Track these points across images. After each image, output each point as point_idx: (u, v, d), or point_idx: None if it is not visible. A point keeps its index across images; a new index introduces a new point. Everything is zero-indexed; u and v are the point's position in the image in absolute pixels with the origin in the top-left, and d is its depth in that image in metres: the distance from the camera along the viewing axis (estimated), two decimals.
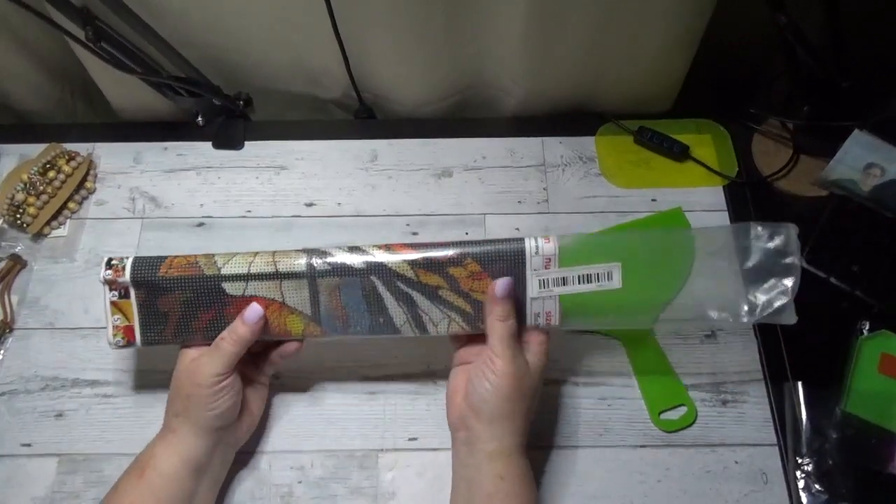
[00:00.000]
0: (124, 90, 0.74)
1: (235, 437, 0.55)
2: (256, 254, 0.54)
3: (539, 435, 0.59)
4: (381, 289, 0.53)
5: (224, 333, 0.52)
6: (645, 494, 0.57)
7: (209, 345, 0.53)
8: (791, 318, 0.51)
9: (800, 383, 0.59)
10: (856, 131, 0.63)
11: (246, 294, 0.53)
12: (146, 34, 0.63)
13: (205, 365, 0.51)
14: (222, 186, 0.72)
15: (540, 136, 0.75)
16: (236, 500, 0.57)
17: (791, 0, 0.58)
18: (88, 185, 0.72)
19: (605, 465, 0.58)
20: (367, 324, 0.54)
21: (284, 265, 0.53)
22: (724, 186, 0.71)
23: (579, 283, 0.52)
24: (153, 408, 0.59)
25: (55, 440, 0.59)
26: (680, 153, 0.72)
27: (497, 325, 0.51)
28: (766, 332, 0.63)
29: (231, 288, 0.53)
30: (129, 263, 0.53)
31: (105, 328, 0.54)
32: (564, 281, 0.52)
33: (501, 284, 0.51)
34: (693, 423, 0.59)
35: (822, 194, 0.69)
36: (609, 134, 0.75)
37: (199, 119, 0.76)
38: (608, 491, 0.57)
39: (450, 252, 0.52)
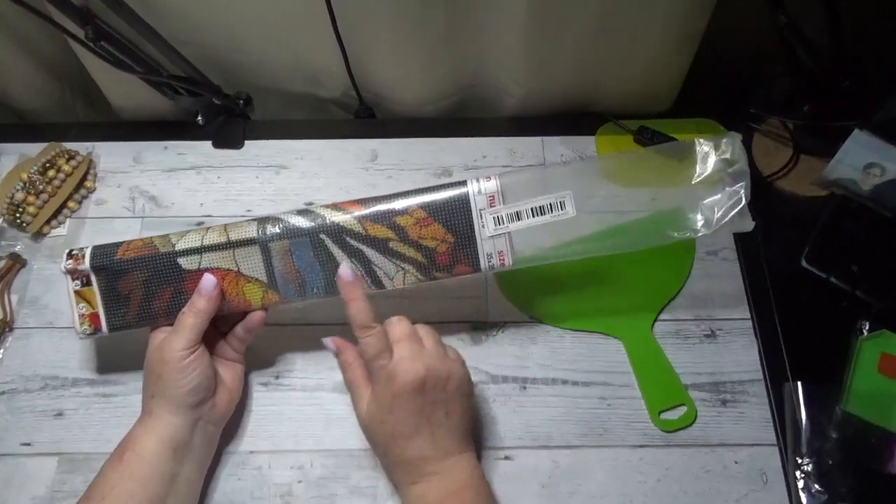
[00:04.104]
0: (124, 89, 0.74)
1: (215, 413, 0.55)
2: (209, 228, 0.55)
3: (539, 434, 0.59)
4: (332, 246, 0.53)
5: (185, 308, 0.53)
6: (645, 494, 0.57)
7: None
8: (748, 224, 0.52)
9: (800, 383, 0.59)
10: (856, 131, 0.63)
11: (201, 267, 0.54)
12: (146, 33, 0.63)
13: (170, 342, 0.52)
14: (222, 186, 0.72)
15: (540, 135, 0.75)
16: (236, 500, 0.56)
17: (791, 0, 0.58)
18: (88, 184, 0.72)
19: (605, 465, 0.58)
20: (323, 285, 0.54)
21: (236, 234, 0.54)
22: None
23: (533, 216, 0.52)
24: None
25: (55, 439, 0.59)
26: None
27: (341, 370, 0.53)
28: (766, 332, 0.63)
29: (186, 263, 0.54)
30: (88, 251, 0.54)
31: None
32: (518, 216, 0.52)
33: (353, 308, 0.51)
34: (693, 422, 0.59)
35: (822, 194, 0.69)
36: (609, 134, 0.75)
37: (199, 118, 0.76)
38: (608, 491, 0.57)
39: (395, 203, 0.53)
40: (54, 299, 0.66)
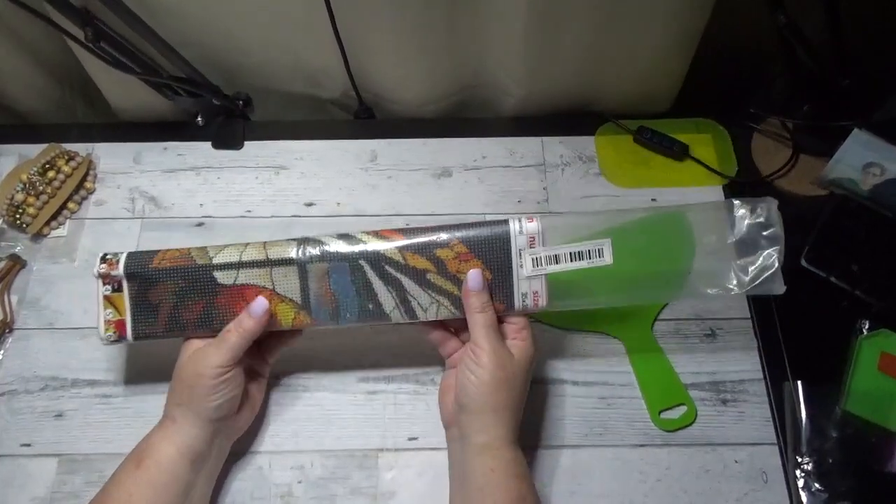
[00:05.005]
0: (124, 90, 0.74)
1: (234, 428, 0.55)
2: (248, 244, 0.55)
3: (539, 434, 0.59)
4: (370, 273, 0.53)
5: (230, 325, 0.53)
6: (645, 494, 0.57)
7: (202, 337, 0.53)
8: (780, 288, 0.53)
9: (800, 382, 0.59)
10: (855, 130, 0.63)
11: (237, 283, 0.53)
12: (146, 34, 0.63)
13: (209, 356, 0.51)
14: (222, 186, 0.72)
15: (540, 135, 0.75)
16: (236, 500, 0.56)
17: (791, 0, 0.58)
18: (88, 185, 0.72)
19: (605, 465, 0.58)
20: (357, 310, 0.54)
21: (275, 253, 0.54)
22: (723, 186, 0.72)
23: (570, 260, 0.52)
24: (153, 407, 0.58)
25: (55, 440, 0.59)
26: (680, 152, 0.72)
27: (476, 317, 0.51)
28: (766, 332, 0.63)
29: (222, 277, 0.53)
30: (123, 257, 0.54)
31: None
32: (556, 259, 0.52)
33: (473, 277, 0.52)
34: (693, 422, 0.59)
35: (822, 194, 0.70)
36: (609, 133, 0.75)
37: (199, 119, 0.76)
38: (608, 490, 0.57)
39: (437, 236, 0.53)
40: (54, 300, 0.66)
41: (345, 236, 0.54)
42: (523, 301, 0.53)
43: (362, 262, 0.53)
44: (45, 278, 0.67)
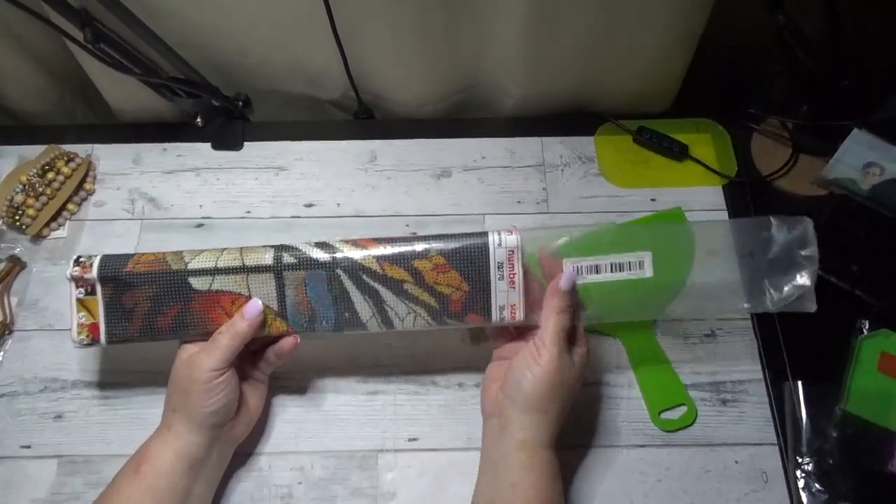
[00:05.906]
0: (123, 91, 0.74)
1: (233, 434, 0.55)
2: (224, 250, 0.54)
3: None
4: (347, 282, 0.53)
5: (222, 328, 0.52)
6: (645, 494, 0.57)
7: (187, 341, 0.54)
8: (812, 306, 0.54)
9: (800, 383, 0.59)
10: (855, 130, 0.63)
11: (212, 289, 0.53)
12: (145, 35, 0.63)
13: (202, 360, 0.51)
14: (221, 187, 0.72)
15: (539, 136, 0.75)
16: (236, 501, 0.57)
17: (791, 0, 0.58)
18: (87, 186, 0.72)
19: (605, 465, 0.58)
20: (333, 319, 0.54)
21: (251, 259, 0.53)
22: (723, 186, 0.71)
23: (611, 271, 0.53)
24: (153, 409, 0.58)
25: (55, 442, 0.59)
26: (679, 153, 0.72)
27: (553, 316, 0.51)
28: (766, 332, 0.63)
29: (197, 283, 0.53)
30: (96, 260, 0.54)
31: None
32: (597, 269, 0.53)
33: (566, 276, 0.52)
34: (693, 422, 0.59)
35: (822, 193, 0.70)
36: (608, 134, 0.75)
37: (198, 120, 0.76)
38: (608, 490, 0.57)
39: (415, 246, 0.53)
40: (54, 301, 0.66)
41: (322, 245, 0.54)
42: (500, 314, 0.53)
43: (339, 272, 0.53)
44: (44, 280, 0.67)
